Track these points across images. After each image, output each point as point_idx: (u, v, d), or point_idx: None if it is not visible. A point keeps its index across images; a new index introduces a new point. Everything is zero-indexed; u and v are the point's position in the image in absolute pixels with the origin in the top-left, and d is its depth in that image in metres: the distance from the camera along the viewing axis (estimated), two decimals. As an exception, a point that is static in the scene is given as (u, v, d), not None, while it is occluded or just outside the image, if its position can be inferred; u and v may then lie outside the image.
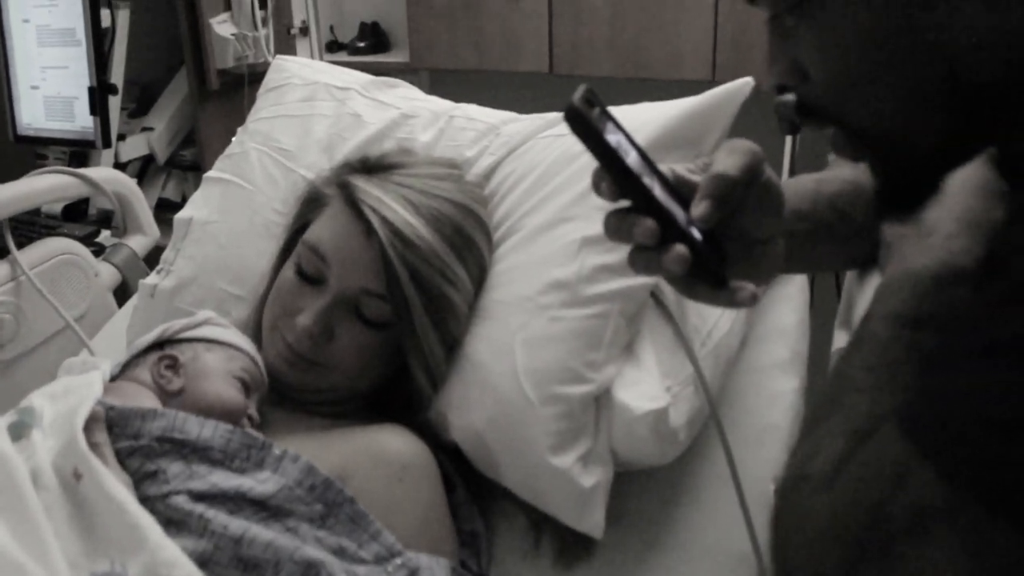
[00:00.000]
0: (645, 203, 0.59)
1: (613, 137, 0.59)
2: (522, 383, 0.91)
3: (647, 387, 0.92)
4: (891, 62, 0.55)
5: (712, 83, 1.17)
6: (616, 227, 0.61)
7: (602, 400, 0.93)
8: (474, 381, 0.95)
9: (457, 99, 1.27)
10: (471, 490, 0.99)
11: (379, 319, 0.95)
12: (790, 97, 0.65)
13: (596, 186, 0.60)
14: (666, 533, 0.98)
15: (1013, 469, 0.43)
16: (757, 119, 1.35)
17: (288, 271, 0.98)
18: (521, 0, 2.43)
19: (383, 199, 0.94)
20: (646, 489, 1.00)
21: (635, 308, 0.95)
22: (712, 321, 1.01)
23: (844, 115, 0.61)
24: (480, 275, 1.00)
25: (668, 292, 1.00)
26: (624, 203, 0.61)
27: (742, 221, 0.64)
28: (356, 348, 0.95)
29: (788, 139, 1.81)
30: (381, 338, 0.96)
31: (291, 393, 0.99)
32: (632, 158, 0.59)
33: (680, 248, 0.58)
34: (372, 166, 1.01)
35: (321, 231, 0.97)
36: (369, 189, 0.95)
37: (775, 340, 1.13)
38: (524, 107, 1.28)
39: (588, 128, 0.57)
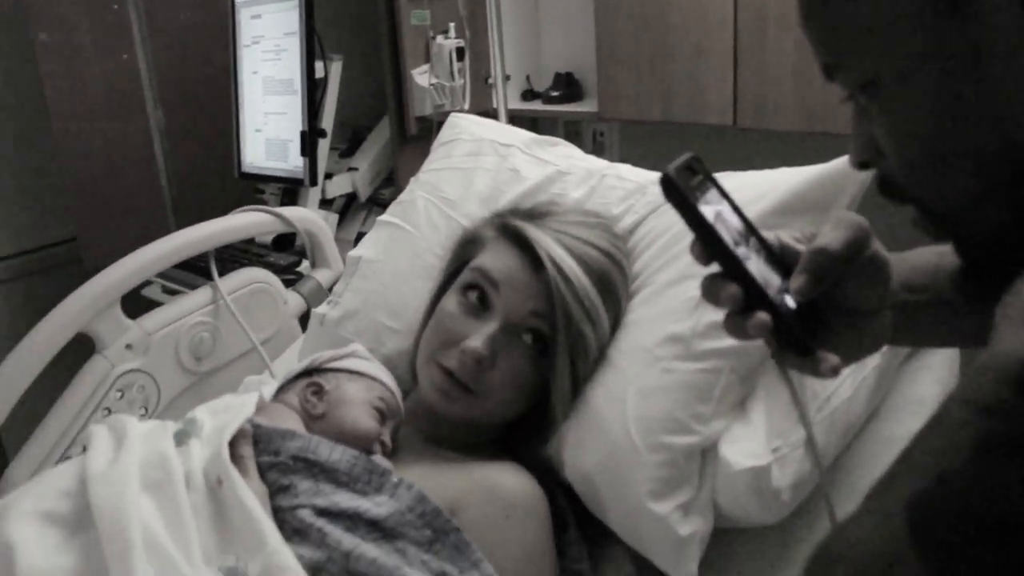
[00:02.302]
0: (733, 270, 0.63)
1: (709, 207, 0.63)
2: (631, 430, 0.96)
3: (751, 444, 0.95)
4: (952, 143, 0.56)
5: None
6: (708, 290, 0.65)
7: (708, 453, 0.96)
8: (588, 424, 1.01)
9: (645, 149, 1.31)
10: (584, 531, 1.04)
11: (537, 347, 1.02)
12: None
13: (692, 249, 0.65)
14: (769, 596, 0.99)
15: (992, 571, 0.42)
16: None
17: (450, 304, 1.06)
18: (706, 54, 2.45)
19: (545, 237, 1.03)
20: (753, 550, 1.02)
21: (748, 367, 0.98)
22: (832, 387, 1.02)
23: (917, 193, 0.61)
24: (615, 323, 1.06)
25: (788, 354, 1.02)
26: (715, 268, 0.65)
27: (845, 293, 0.66)
28: (512, 376, 1.02)
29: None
30: (532, 369, 1.02)
31: (430, 426, 1.08)
32: (728, 226, 0.63)
33: (761, 315, 0.62)
34: (526, 214, 1.10)
35: (487, 261, 1.05)
36: (533, 228, 1.04)
37: (911, 412, 1.10)
38: (709, 158, 1.30)
39: (680, 196, 0.62)
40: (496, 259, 1.05)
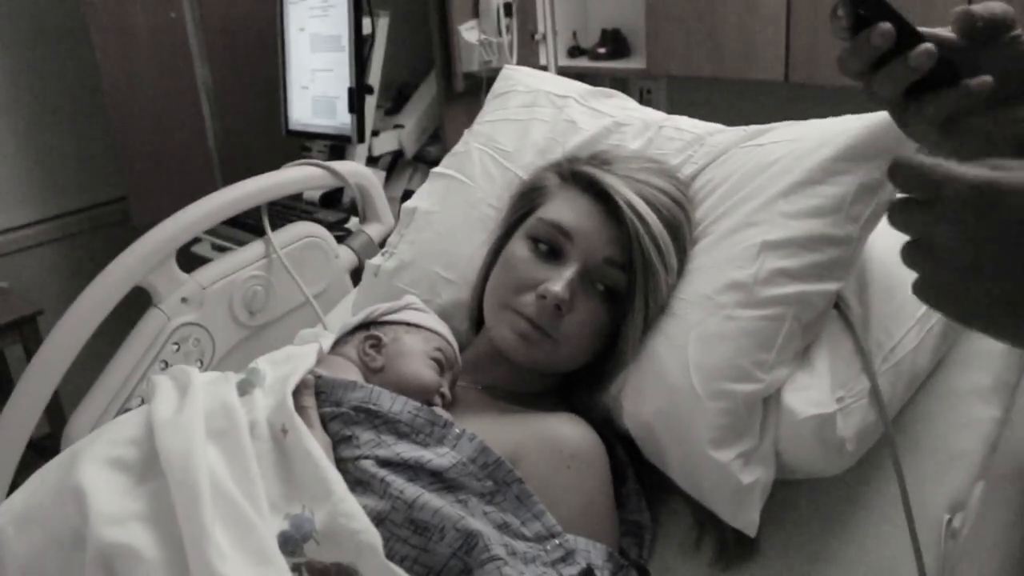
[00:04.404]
0: (882, 12, 0.64)
1: None
2: (691, 377, 0.95)
3: (815, 393, 0.93)
4: None
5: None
6: (852, 50, 0.65)
7: (771, 402, 0.95)
8: (649, 372, 1.00)
9: (694, 106, 1.30)
10: (643, 483, 1.04)
11: (613, 291, 1.02)
12: None
13: (832, 15, 0.66)
14: (830, 549, 0.97)
15: None
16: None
17: (520, 249, 1.05)
18: (758, 7, 2.40)
19: (618, 182, 1.02)
20: (815, 502, 1.00)
21: (812, 315, 0.96)
22: (897, 337, 1.00)
23: None
24: (680, 268, 1.04)
25: (852, 303, 1.00)
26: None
27: (985, 76, 0.66)
28: (589, 321, 1.01)
29: None
30: (606, 314, 1.02)
31: (488, 378, 1.08)
32: None
33: (927, 45, 0.63)
34: (589, 161, 1.09)
35: (559, 210, 1.05)
36: (605, 174, 1.03)
37: (977, 365, 1.08)
38: (759, 115, 1.28)
39: None
40: (567, 209, 1.04)
